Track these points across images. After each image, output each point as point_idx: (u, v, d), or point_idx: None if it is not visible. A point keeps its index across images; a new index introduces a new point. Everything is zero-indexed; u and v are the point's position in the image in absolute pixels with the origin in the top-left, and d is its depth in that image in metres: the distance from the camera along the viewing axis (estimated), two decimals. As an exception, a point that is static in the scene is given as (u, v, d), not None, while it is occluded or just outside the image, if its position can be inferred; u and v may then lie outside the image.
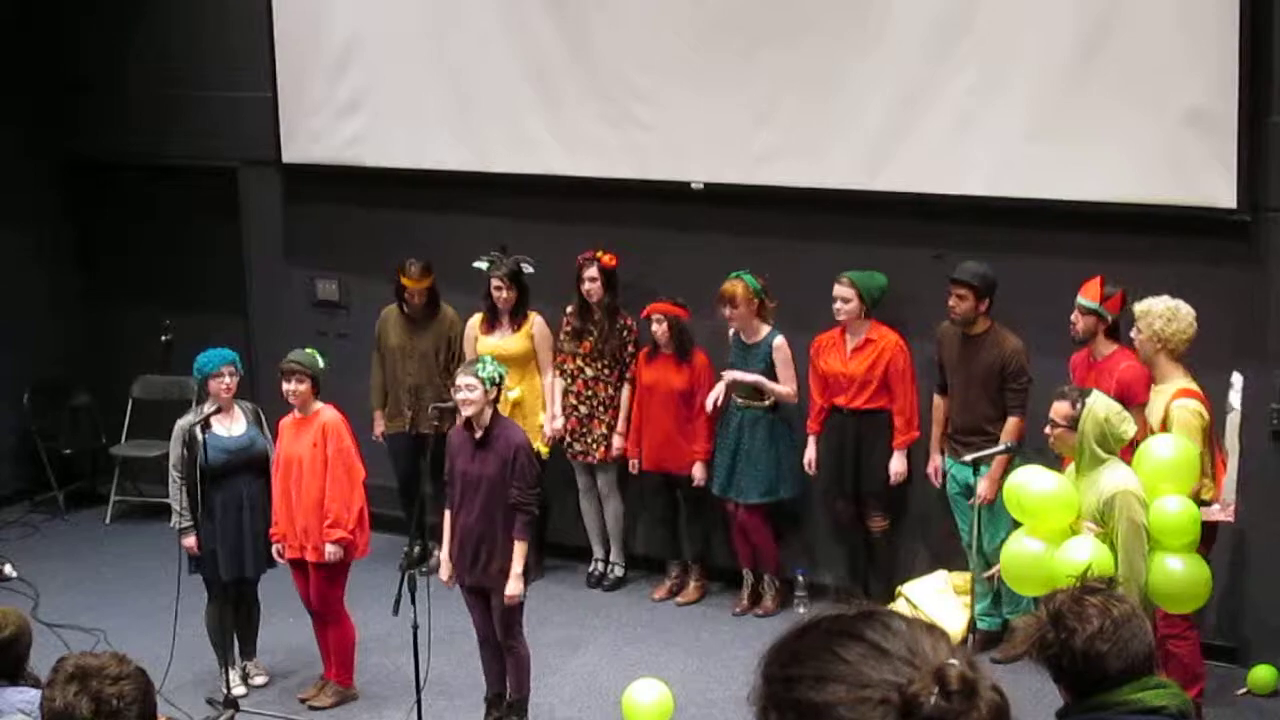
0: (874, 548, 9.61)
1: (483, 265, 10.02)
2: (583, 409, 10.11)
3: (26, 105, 11.97)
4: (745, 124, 9.58)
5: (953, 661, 1.90)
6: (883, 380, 9.27)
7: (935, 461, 9.21)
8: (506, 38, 10.24)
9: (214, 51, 11.41)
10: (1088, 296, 8.29)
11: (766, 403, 9.54)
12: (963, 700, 1.88)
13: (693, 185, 9.82)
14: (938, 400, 9.16)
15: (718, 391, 9.63)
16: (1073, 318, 8.32)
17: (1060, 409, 7.19)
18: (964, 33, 8.93)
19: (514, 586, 8.01)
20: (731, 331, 9.65)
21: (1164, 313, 7.81)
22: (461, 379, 8.03)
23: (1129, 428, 7.15)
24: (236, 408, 8.75)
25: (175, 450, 8.63)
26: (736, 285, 9.40)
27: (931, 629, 1.97)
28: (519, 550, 8.01)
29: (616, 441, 10.06)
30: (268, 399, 9.35)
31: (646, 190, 9.98)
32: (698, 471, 9.79)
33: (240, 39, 11.26)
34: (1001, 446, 8.60)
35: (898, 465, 9.34)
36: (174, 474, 8.65)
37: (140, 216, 12.06)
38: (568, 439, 10.15)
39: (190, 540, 8.58)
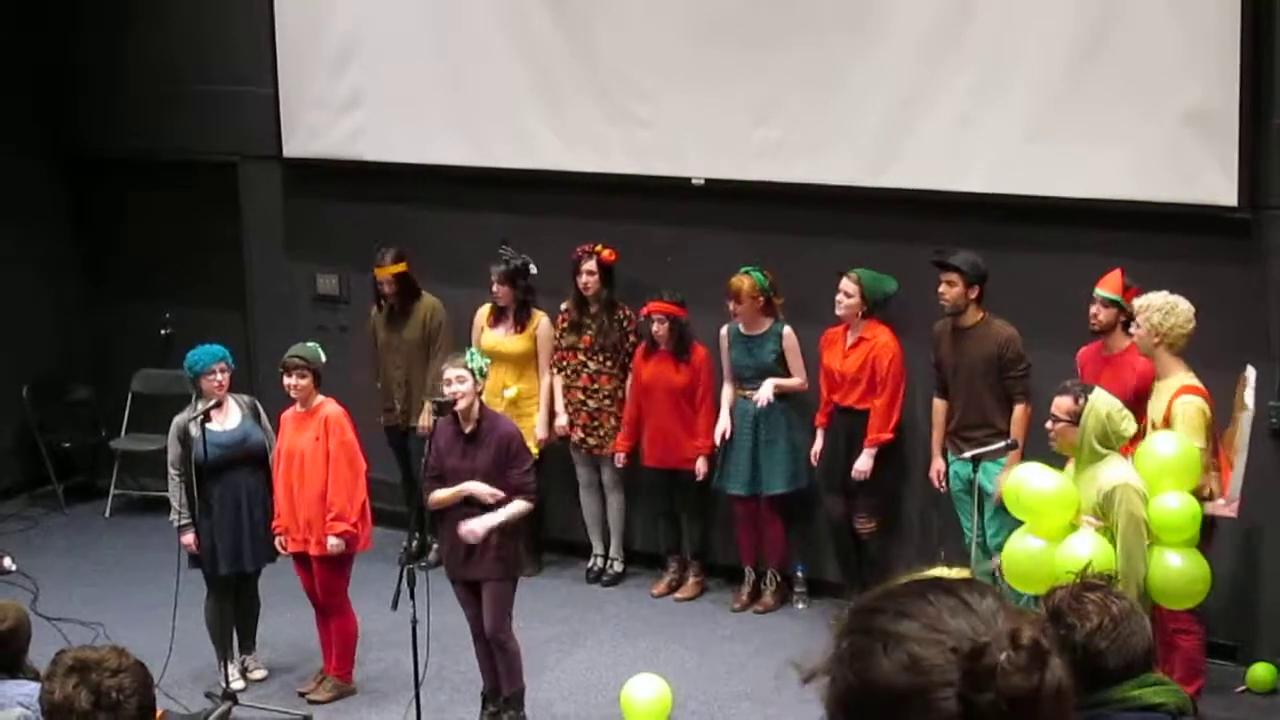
0: (865, 547, 9.60)
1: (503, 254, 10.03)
2: (591, 404, 10.11)
3: (27, 100, 11.96)
4: (746, 120, 9.58)
5: (1030, 628, 1.93)
6: (870, 379, 9.26)
7: (937, 465, 9.13)
8: (507, 34, 10.24)
9: (215, 46, 11.41)
10: (1109, 289, 8.24)
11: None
12: (1030, 660, 1.89)
13: (693, 181, 9.82)
14: (938, 403, 9.13)
15: (724, 425, 9.65)
16: (1093, 310, 8.28)
17: (1062, 404, 7.20)
18: (965, 31, 8.93)
19: (483, 521, 7.93)
20: (725, 329, 9.65)
21: (1162, 306, 7.81)
22: (451, 371, 7.99)
23: (1130, 425, 7.17)
24: (232, 402, 8.75)
25: (172, 448, 8.65)
26: (744, 280, 9.41)
27: (1023, 612, 1.99)
28: (513, 504, 7.96)
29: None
30: (268, 393, 9.36)
31: (646, 186, 9.97)
32: (701, 466, 9.79)
33: (241, 34, 11.26)
34: (1002, 444, 8.58)
35: (862, 463, 9.29)
36: (172, 471, 8.67)
37: (140, 211, 12.06)
38: (580, 434, 10.15)
39: (188, 537, 8.59)
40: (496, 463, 7.97)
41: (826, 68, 9.32)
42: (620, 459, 10.06)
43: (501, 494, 7.97)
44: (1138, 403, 7.74)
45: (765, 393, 9.50)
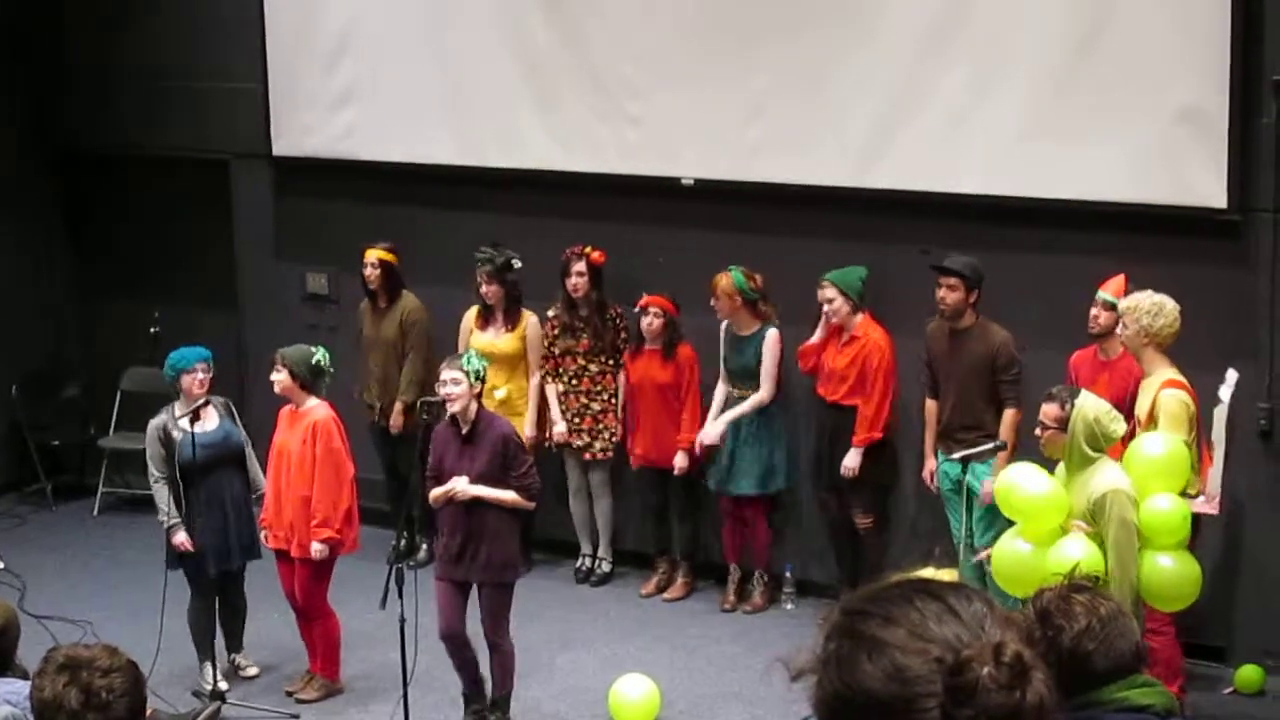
0: (861, 545, 9.60)
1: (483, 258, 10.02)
2: (595, 405, 10.11)
3: (17, 98, 11.93)
4: (737, 120, 9.59)
5: (1014, 641, 1.93)
6: (859, 377, 9.27)
7: (930, 465, 9.12)
8: (499, 32, 10.24)
9: (206, 44, 11.39)
10: (1112, 292, 8.25)
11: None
12: (1012, 676, 1.90)
13: (683, 181, 9.83)
14: (929, 404, 9.12)
15: (708, 431, 9.67)
16: (1094, 312, 8.27)
17: (1049, 411, 7.19)
18: (957, 31, 8.94)
19: (473, 488, 7.98)
20: (724, 324, 9.67)
21: (1150, 308, 7.82)
22: (446, 373, 8.02)
23: (1118, 427, 7.17)
24: (210, 404, 8.77)
25: (154, 450, 8.64)
26: (721, 278, 9.44)
27: (1010, 620, 2.00)
28: (509, 492, 7.99)
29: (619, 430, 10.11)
30: (259, 391, 9.36)
31: (637, 186, 9.97)
32: (679, 460, 9.78)
33: (232, 31, 11.24)
34: (991, 445, 8.58)
35: (851, 460, 9.28)
36: (155, 473, 8.65)
37: (131, 209, 12.04)
38: (586, 438, 10.14)
39: (180, 537, 8.57)
40: (493, 464, 7.98)
41: (818, 67, 9.33)
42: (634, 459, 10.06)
43: (482, 489, 7.99)
44: (1135, 407, 7.75)
45: (715, 432, 9.56)
